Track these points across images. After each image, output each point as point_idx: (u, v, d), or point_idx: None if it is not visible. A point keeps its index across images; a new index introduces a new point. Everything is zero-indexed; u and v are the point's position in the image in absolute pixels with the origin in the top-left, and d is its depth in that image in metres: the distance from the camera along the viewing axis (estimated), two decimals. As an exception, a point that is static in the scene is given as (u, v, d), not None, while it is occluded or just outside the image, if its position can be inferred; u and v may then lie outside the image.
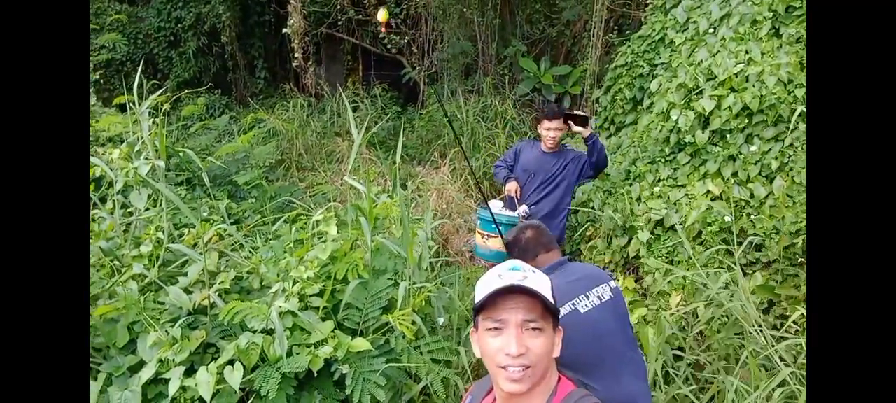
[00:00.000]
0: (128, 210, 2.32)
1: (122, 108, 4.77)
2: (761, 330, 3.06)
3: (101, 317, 1.82)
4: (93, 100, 4.13)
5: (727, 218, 3.44)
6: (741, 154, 3.54)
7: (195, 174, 4.07)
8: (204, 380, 1.67)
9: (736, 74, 3.58)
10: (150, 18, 9.77)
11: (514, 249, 1.84)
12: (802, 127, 3.29)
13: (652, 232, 3.81)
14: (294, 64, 8.13)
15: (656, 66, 4.73)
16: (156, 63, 9.84)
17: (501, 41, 8.12)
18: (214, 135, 6.18)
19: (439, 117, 7.49)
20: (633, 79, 5.03)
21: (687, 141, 3.79)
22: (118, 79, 8.95)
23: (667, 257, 3.72)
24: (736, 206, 3.47)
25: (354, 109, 8.07)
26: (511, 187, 3.81)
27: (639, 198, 4.00)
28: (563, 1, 7.61)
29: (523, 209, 3.70)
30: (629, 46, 5.14)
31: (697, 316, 3.34)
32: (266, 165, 4.96)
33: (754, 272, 3.34)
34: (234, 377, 1.70)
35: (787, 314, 3.09)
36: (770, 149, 3.44)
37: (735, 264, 3.47)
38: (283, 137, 6.94)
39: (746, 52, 3.62)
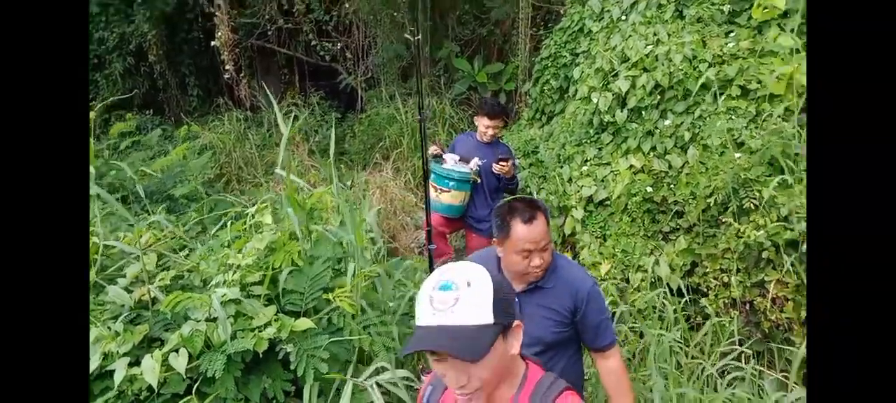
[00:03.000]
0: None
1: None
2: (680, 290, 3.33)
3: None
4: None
5: (649, 189, 3.69)
6: (657, 128, 3.81)
7: (130, 190, 4.00)
8: (149, 367, 1.70)
9: (646, 55, 3.86)
10: (71, 41, 9.40)
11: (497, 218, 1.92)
12: (708, 97, 3.58)
13: (585, 209, 4.04)
14: (226, 76, 8.02)
15: (578, 54, 5.00)
16: (80, 87, 9.46)
17: (434, 43, 8.30)
18: (147, 152, 6.04)
19: (379, 121, 7.57)
20: (557, 69, 5.29)
21: (608, 121, 4.05)
22: (39, 105, 8.56)
23: (600, 231, 3.95)
24: (656, 178, 3.73)
25: (294, 119, 8.04)
26: (435, 149, 3.96)
27: (570, 179, 4.22)
28: (490, 1, 7.86)
29: (475, 162, 3.86)
30: (552, 39, 5.40)
31: (629, 282, 3.58)
32: (204, 178, 4.91)
33: (678, 237, 3.61)
34: (180, 362, 1.74)
35: (708, 273, 3.36)
36: (682, 122, 3.72)
37: (659, 232, 3.74)
38: (220, 151, 6.85)
39: (655, 34, 3.91)
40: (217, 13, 7.27)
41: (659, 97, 3.81)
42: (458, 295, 0.98)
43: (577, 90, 4.66)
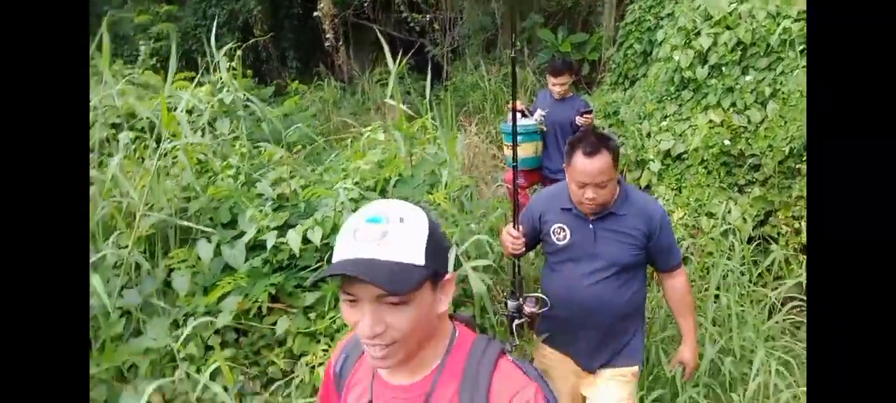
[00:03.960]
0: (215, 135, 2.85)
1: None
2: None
3: (210, 198, 2.36)
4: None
5: (726, 142, 3.83)
6: (737, 85, 3.92)
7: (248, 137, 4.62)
8: (293, 238, 2.18)
9: (729, 13, 3.96)
10: (187, 16, 10.47)
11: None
12: (790, 53, 3.66)
13: (662, 163, 4.22)
14: (326, 44, 8.70)
15: (662, 18, 5.11)
16: (195, 58, 10.54)
17: (519, 15, 8.54)
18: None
19: (463, 88, 7.96)
20: (641, 33, 5.42)
21: (689, 77, 4.19)
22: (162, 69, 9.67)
23: (676, 184, 4.13)
24: (734, 132, 3.86)
25: (384, 84, 8.61)
26: (520, 105, 4.25)
27: (649, 134, 4.41)
28: (577, -28, 7.98)
29: (538, 113, 4.15)
30: (637, 4, 5.52)
31: (701, 228, 3.76)
32: (312, 130, 5.49)
33: (753, 189, 3.73)
34: (316, 235, 2.20)
35: (780, 221, 3.48)
36: (763, 78, 3.81)
37: (735, 185, 3.87)
38: (320, 113, 7.51)
39: (739, -8, 4.00)
40: (319, -13, 7.92)
41: (740, 53, 3.91)
42: (387, 229, 0.85)
43: (659, 51, 4.79)
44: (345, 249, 0.86)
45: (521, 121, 4.16)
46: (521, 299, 2.07)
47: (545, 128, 4.21)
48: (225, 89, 2.75)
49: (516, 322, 2.06)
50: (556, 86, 4.16)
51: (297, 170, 2.67)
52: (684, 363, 2.12)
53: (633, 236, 2.00)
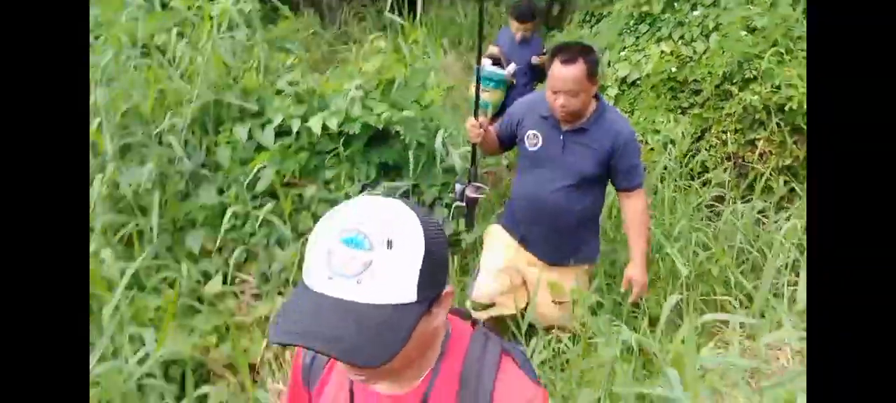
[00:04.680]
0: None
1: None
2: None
3: (242, 90, 2.83)
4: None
5: (674, 69, 4.42)
6: (687, 19, 4.49)
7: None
8: (315, 122, 2.68)
9: (685, -45, 4.48)
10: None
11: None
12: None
13: (619, 88, 4.80)
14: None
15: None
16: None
17: (496, -49, 8.84)
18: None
19: (440, 23, 8.33)
20: (609, -27, 5.90)
21: (646, 12, 4.73)
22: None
23: (630, 107, 4.72)
24: (681, 61, 4.45)
25: (362, 19, 8.89)
26: (494, 50, 4.68)
27: (609, 63, 4.96)
28: (552, -89, 8.29)
29: (512, 68, 4.64)
30: (606, -56, 5.97)
31: (647, 142, 4.39)
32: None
33: (693, 109, 4.36)
34: (333, 121, 2.71)
35: (713, 135, 4.13)
36: (708, 14, 4.39)
37: (679, 107, 4.49)
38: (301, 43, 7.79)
39: (694, -63, 4.51)
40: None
41: (691, -8, 4.46)
42: (370, 257, 0.67)
43: (622, -10, 5.30)
44: (316, 277, 0.68)
45: (494, 69, 4.55)
46: (466, 184, 2.26)
47: (514, 81, 4.51)
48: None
49: (456, 203, 2.27)
50: (520, 31, 4.45)
51: (308, 73, 3.14)
52: (633, 281, 2.21)
53: (598, 151, 2.11)
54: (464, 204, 2.28)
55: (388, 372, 0.74)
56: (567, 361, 2.15)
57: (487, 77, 4.61)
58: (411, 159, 2.85)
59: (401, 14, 3.42)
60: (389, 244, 0.68)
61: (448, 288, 0.77)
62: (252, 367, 2.14)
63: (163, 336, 1.81)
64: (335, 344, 0.65)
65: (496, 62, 4.63)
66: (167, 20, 2.96)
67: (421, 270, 0.69)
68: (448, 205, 2.81)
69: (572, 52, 2.01)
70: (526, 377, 0.85)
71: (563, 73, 1.99)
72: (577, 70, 1.97)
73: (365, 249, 0.67)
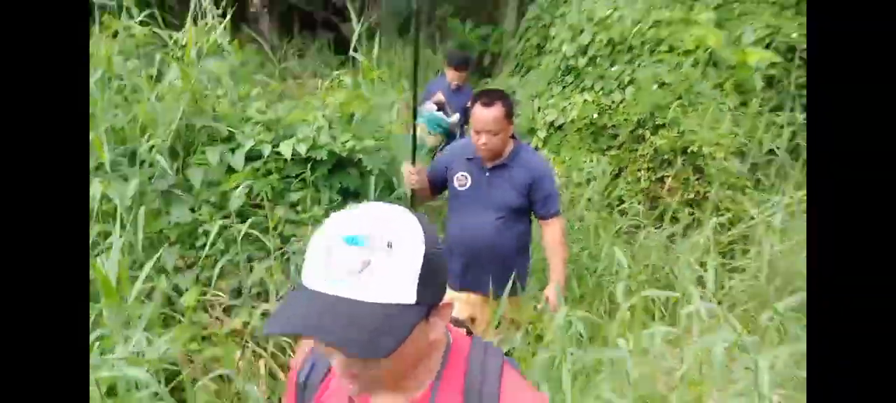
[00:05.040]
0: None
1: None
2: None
3: (213, 115, 3.03)
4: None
5: (595, 116, 5.01)
6: (606, 73, 5.13)
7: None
8: (285, 147, 2.92)
9: (606, 17, 5.15)
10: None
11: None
12: (646, 51, 4.91)
13: (547, 131, 5.34)
14: (251, 8, 9.07)
15: (557, 17, 6.27)
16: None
17: (432, 3, 9.45)
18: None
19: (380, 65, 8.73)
20: (539, 29, 6.56)
21: (572, 66, 5.35)
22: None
23: (556, 148, 5.26)
24: (601, 109, 5.05)
25: (302, 56, 9.12)
26: (440, 97, 5.07)
27: (538, 109, 5.52)
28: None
29: (456, 117, 5.04)
30: (538, 3, 6.65)
31: (572, 178, 4.92)
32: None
33: (611, 151, 4.95)
34: (302, 146, 2.96)
35: (630, 174, 4.71)
36: (624, 70, 5.04)
37: (599, 148, 5.07)
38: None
39: (615, 1, 5.21)
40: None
41: (610, 49, 5.12)
42: (369, 256, 0.68)
43: (552, 44, 5.93)
44: (315, 276, 0.70)
45: (440, 114, 4.84)
46: None
47: (457, 132, 4.78)
48: (215, 31, 3.38)
49: None
50: (455, 79, 4.86)
51: (274, 102, 3.39)
52: (549, 300, 2.39)
53: (519, 183, 2.33)
54: None
55: (387, 382, 0.76)
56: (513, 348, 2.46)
57: (436, 122, 4.95)
58: (372, 185, 3.13)
59: (357, 50, 3.74)
60: (390, 245, 0.69)
61: (447, 300, 0.78)
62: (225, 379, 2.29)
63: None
64: (331, 334, 0.66)
65: (440, 108, 4.99)
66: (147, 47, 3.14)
67: (420, 273, 0.70)
68: None
69: (491, 96, 2.25)
70: (529, 384, 0.87)
71: (484, 115, 2.22)
72: (496, 111, 2.21)
73: (364, 247, 0.68)
